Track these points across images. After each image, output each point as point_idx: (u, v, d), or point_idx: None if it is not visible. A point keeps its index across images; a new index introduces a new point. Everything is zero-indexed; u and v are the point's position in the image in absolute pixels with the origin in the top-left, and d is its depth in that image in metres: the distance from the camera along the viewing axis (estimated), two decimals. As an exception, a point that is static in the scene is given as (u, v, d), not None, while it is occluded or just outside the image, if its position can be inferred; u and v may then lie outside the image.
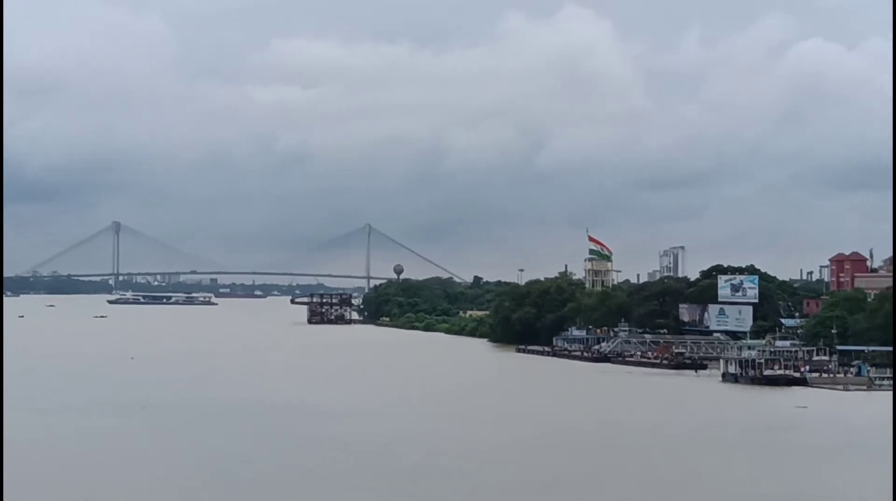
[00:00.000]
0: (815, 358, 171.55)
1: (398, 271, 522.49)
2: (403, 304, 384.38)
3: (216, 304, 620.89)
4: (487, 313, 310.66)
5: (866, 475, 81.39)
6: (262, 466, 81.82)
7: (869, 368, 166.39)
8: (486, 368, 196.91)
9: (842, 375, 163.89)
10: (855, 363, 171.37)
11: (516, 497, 71.75)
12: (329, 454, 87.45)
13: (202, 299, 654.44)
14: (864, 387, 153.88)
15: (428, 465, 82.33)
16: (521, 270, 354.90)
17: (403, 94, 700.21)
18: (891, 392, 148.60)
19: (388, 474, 78.66)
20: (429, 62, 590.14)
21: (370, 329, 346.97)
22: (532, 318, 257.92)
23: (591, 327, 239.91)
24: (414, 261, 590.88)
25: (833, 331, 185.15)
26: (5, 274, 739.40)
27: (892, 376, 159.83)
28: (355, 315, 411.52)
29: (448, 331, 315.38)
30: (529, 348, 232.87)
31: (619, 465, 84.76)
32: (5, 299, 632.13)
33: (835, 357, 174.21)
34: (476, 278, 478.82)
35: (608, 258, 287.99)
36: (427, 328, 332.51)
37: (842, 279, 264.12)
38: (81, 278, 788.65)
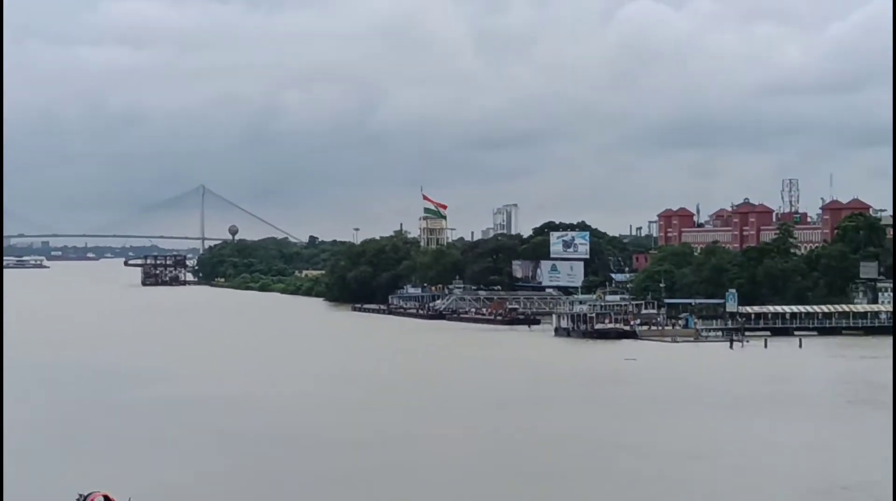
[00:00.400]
0: (644, 312, 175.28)
1: (233, 231, 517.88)
2: (238, 264, 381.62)
3: (48, 267, 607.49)
4: (323, 272, 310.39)
5: (692, 423, 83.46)
6: (74, 429, 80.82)
7: (696, 320, 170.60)
8: (319, 327, 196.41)
9: (670, 327, 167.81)
10: (682, 315, 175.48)
11: (325, 457, 71.45)
12: (143, 417, 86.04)
13: (33, 262, 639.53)
14: (692, 339, 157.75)
15: (243, 427, 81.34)
16: (357, 229, 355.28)
17: (235, 54, 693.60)
18: (717, 342, 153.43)
19: (200, 436, 77.87)
20: (261, 22, 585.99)
21: (205, 290, 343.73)
22: (368, 277, 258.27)
23: (426, 284, 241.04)
24: (249, 222, 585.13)
25: (661, 285, 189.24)
26: None
27: (720, 327, 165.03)
28: (190, 277, 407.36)
29: (284, 291, 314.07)
30: (365, 306, 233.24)
31: (446, 421, 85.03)
32: None
33: (663, 310, 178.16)
34: (311, 237, 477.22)
35: (442, 217, 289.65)
36: (262, 289, 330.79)
37: (670, 235, 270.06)
38: None
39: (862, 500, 59.26)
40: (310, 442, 75.92)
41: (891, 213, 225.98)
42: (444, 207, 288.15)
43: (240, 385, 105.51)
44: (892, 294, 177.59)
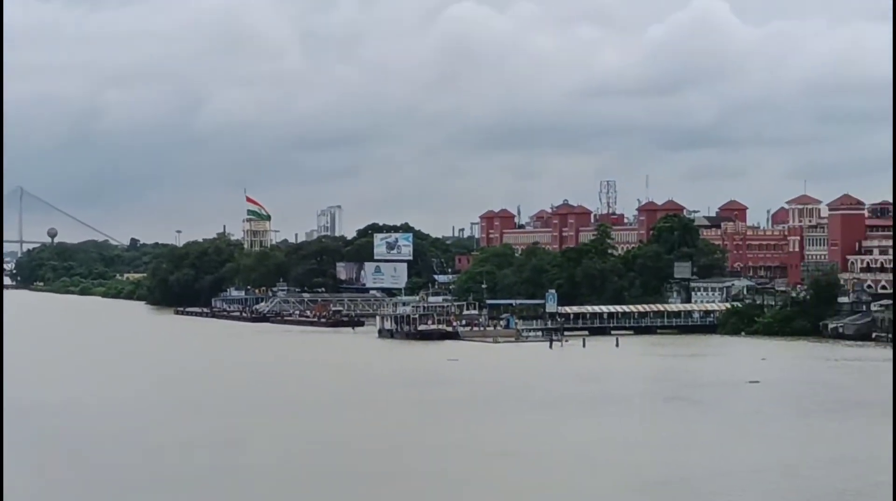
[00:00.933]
0: (467, 313, 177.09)
1: (52, 234, 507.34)
2: (58, 268, 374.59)
3: None
4: (145, 275, 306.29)
5: (511, 422, 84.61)
6: None
7: (517, 320, 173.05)
8: (140, 330, 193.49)
9: (492, 328, 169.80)
10: (504, 316, 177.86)
11: (149, 459, 70.79)
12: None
13: None
14: (513, 339, 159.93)
15: (65, 431, 79.89)
16: (179, 231, 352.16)
17: (56, 53, 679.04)
18: (537, 342, 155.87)
19: (22, 441, 76.23)
20: (81, 20, 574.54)
21: (23, 294, 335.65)
22: (191, 279, 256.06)
23: (249, 287, 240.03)
24: (69, 224, 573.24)
25: (483, 286, 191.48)
26: None
27: (540, 327, 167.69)
28: (8, 281, 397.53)
29: (104, 295, 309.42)
30: (188, 309, 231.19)
31: (269, 424, 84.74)
32: None
33: (485, 311, 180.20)
34: (133, 240, 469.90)
35: (266, 218, 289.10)
36: (83, 293, 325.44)
37: (491, 236, 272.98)
38: None
39: (678, 495, 60.79)
40: (133, 444, 74.94)
41: (703, 215, 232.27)
42: (267, 210, 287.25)
43: (55, 389, 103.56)
44: (717, 294, 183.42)
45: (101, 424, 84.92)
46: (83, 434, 79.88)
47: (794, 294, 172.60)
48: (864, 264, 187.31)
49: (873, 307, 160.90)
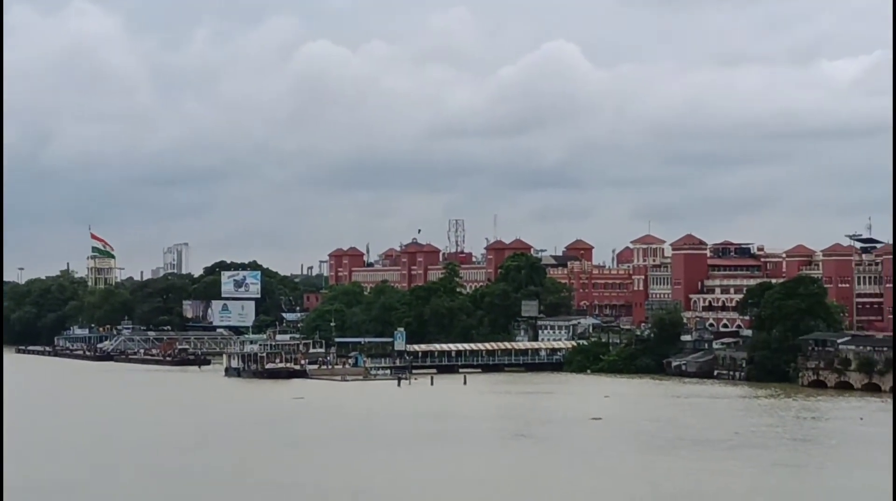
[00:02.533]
0: (312, 351, 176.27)
1: None
2: None
3: None
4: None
5: (353, 460, 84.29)
6: None
7: (365, 359, 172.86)
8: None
9: (340, 366, 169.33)
10: (352, 354, 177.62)
11: None
12: None
13: None
14: (361, 377, 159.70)
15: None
16: (21, 268, 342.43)
17: None
18: (385, 380, 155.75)
19: None
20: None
21: None
22: (32, 317, 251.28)
23: (94, 325, 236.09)
24: None
25: (332, 324, 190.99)
26: None
27: (388, 365, 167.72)
28: None
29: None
30: (30, 348, 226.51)
31: (108, 465, 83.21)
32: None
33: (333, 349, 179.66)
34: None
35: (111, 256, 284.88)
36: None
37: (340, 274, 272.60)
38: None
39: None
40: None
41: (550, 253, 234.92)
42: (112, 247, 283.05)
43: None
44: (563, 332, 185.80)
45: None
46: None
47: (638, 333, 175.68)
48: (707, 303, 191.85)
49: (715, 345, 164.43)
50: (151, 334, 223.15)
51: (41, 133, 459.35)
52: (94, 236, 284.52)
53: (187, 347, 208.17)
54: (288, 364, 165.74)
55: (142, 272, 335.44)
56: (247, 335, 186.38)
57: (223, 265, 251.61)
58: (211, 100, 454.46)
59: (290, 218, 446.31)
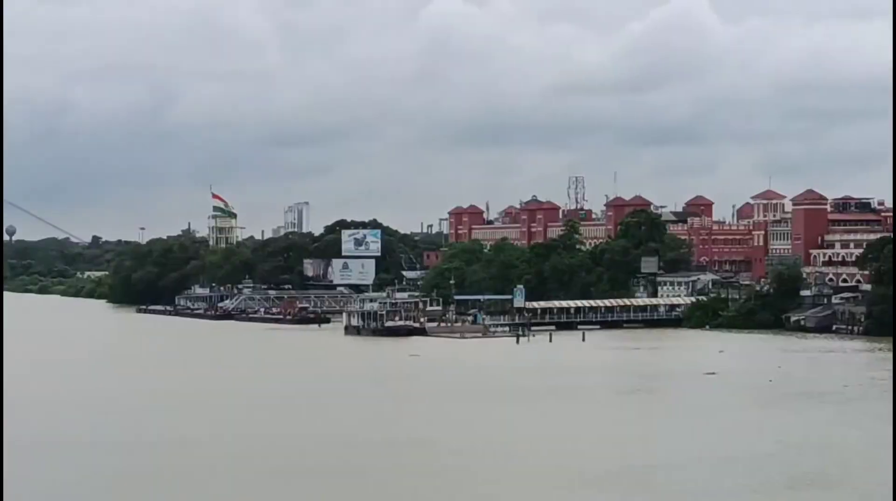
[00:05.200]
0: (431, 309, 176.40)
1: (10, 232, 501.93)
2: (16, 266, 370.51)
3: None
4: (107, 273, 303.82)
5: (473, 416, 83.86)
6: None
7: (484, 316, 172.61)
8: (99, 329, 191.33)
9: (459, 323, 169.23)
10: (472, 311, 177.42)
11: (102, 460, 69.66)
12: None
13: None
14: (480, 334, 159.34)
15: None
16: (143, 228, 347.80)
17: (25, 46, 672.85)
18: (504, 337, 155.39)
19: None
20: (52, 13, 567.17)
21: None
22: (154, 277, 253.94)
23: (215, 284, 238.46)
24: (28, 222, 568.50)
25: (451, 281, 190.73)
26: None
27: (507, 323, 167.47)
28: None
29: (64, 293, 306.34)
30: (151, 308, 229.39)
31: (226, 423, 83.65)
32: None
33: (452, 307, 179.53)
34: (95, 237, 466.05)
35: (232, 215, 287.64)
36: (42, 291, 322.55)
37: (460, 231, 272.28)
38: None
39: (636, 484, 60.31)
40: (83, 445, 73.76)
41: (670, 210, 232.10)
42: (234, 207, 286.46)
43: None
44: (682, 288, 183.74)
45: (58, 423, 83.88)
46: (30, 435, 78.59)
47: (757, 288, 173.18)
48: (826, 258, 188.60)
49: (834, 300, 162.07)
50: (272, 292, 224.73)
51: (166, 93, 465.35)
52: (215, 196, 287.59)
53: (307, 305, 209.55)
54: (407, 322, 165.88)
55: (263, 232, 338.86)
56: (366, 294, 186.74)
57: (343, 224, 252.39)
58: (336, 59, 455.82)
59: (410, 176, 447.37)
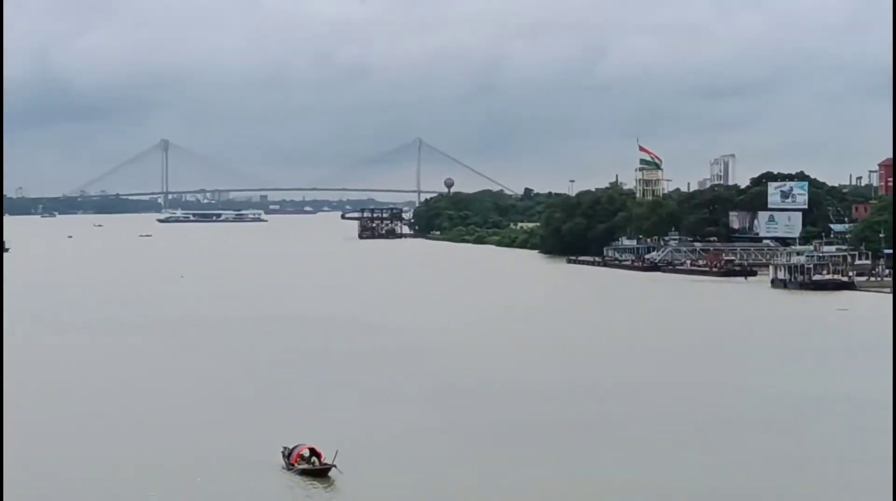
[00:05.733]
0: (859, 262, 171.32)
1: (449, 184, 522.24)
2: (454, 217, 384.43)
3: (266, 221, 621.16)
4: (538, 224, 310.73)
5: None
6: (310, 377, 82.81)
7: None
8: (535, 280, 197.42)
9: (890, 278, 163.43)
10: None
11: (540, 407, 71.86)
12: (353, 367, 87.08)
13: (252, 216, 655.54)
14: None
15: (457, 379, 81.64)
16: (572, 181, 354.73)
17: (462, 6, 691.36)
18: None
19: (411, 387, 78.30)
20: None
21: (421, 243, 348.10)
22: (582, 229, 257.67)
23: (641, 236, 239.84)
24: (465, 174, 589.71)
25: (881, 235, 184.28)
26: (52, 194, 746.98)
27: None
28: (406, 230, 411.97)
29: (499, 243, 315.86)
30: (580, 258, 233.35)
31: (652, 372, 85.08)
32: (52, 218, 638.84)
33: (881, 261, 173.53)
34: (527, 190, 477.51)
35: (658, 167, 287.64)
36: (478, 241, 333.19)
37: (890, 184, 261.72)
38: (130, 198, 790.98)
39: None
40: (525, 393, 76.36)
41: None
42: (660, 159, 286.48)
43: (455, 337, 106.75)
44: None
45: (504, 372, 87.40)
46: (475, 384, 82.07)
47: None
48: None
49: None
50: (697, 245, 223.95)
51: (596, 47, 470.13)
52: (642, 149, 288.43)
53: (733, 258, 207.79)
54: (835, 276, 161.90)
55: (688, 184, 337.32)
56: (793, 247, 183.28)
57: (770, 176, 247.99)
58: (764, 10, 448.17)
59: (839, 128, 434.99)
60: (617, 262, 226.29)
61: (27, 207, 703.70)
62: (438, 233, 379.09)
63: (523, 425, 65.33)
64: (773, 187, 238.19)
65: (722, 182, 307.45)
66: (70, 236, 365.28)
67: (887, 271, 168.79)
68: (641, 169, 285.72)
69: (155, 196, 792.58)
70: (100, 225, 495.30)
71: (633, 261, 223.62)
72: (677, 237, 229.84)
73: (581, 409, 70.56)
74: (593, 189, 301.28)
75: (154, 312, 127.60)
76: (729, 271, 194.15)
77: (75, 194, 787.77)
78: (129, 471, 55.50)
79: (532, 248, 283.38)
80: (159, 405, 72.27)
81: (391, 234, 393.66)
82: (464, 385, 78.54)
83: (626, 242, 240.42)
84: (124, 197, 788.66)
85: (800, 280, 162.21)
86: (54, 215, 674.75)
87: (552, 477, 54.67)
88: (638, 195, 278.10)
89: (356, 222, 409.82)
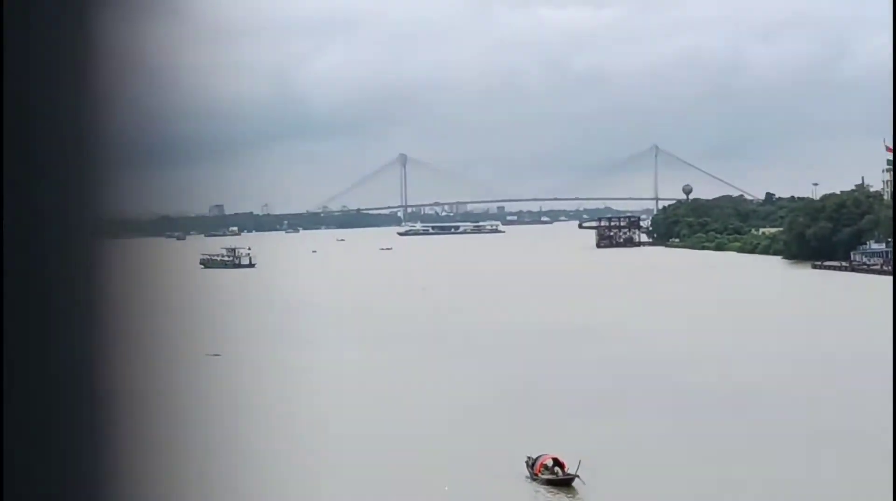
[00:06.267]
0: None
1: (687, 190, 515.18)
2: (693, 224, 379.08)
3: (503, 232, 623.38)
4: (780, 229, 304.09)
5: None
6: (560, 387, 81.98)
7: None
8: (779, 288, 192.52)
9: None
10: None
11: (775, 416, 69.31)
12: (592, 376, 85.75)
13: (489, 227, 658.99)
14: None
15: (698, 386, 79.75)
16: (816, 184, 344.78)
17: (697, 9, 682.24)
18: None
19: (653, 395, 76.71)
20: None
21: (660, 251, 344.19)
22: (827, 233, 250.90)
23: (889, 240, 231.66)
24: (703, 180, 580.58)
25: None
26: (296, 210, 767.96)
27: None
28: (644, 237, 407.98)
29: (740, 250, 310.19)
30: (826, 263, 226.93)
31: None
32: (296, 233, 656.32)
33: None
34: (768, 194, 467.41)
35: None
36: (718, 248, 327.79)
37: None
38: (370, 212, 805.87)
39: None
40: (776, 399, 74.15)
41: None
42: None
43: (692, 343, 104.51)
44: None
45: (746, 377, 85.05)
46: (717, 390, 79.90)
47: None
48: None
49: None
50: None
51: (838, 45, 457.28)
52: (888, 149, 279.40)
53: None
54: None
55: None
56: None
57: None
58: None
59: None
60: (865, 266, 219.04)
61: (273, 223, 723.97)
62: (677, 240, 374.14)
63: (772, 435, 63.04)
64: None
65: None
66: (314, 251, 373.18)
67: None
68: (888, 170, 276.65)
69: (394, 210, 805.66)
70: (342, 239, 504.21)
71: (881, 265, 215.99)
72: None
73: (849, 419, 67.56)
74: (838, 192, 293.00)
75: (405, 328, 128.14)
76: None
77: (318, 210, 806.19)
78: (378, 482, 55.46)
79: (774, 253, 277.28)
80: (412, 414, 72.46)
81: (629, 242, 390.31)
82: (712, 396, 76.40)
83: (874, 246, 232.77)
84: (364, 212, 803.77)
85: None
86: (298, 231, 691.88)
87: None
88: (885, 197, 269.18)
89: (593, 232, 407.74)
